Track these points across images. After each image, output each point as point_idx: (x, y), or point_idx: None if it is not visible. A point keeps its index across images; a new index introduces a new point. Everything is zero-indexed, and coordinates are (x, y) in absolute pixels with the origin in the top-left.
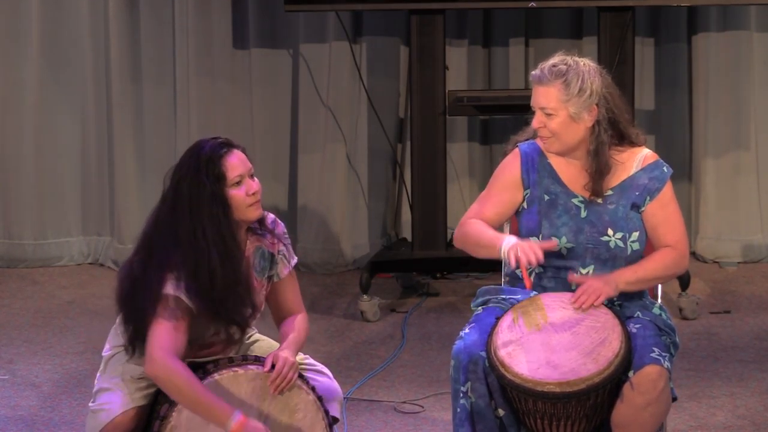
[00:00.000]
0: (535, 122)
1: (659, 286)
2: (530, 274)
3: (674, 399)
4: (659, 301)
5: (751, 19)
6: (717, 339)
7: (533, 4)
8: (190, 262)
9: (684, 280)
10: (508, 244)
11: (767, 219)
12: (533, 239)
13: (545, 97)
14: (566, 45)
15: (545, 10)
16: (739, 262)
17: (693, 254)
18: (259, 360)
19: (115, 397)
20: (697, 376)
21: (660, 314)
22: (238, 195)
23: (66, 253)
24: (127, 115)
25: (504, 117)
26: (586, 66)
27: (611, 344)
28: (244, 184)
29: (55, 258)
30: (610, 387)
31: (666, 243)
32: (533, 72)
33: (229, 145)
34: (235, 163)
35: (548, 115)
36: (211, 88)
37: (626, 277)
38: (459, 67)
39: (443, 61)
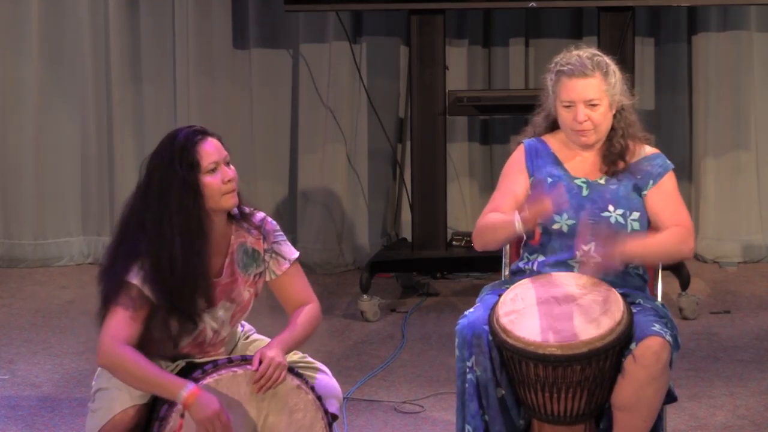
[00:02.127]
0: (581, 116)
1: (659, 285)
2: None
3: (674, 399)
4: (659, 299)
5: (751, 19)
6: (717, 339)
7: (533, 4)
8: (154, 250)
9: (684, 280)
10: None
11: (767, 219)
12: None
13: (591, 88)
14: (566, 45)
15: (545, 10)
16: (739, 262)
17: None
18: None
19: (113, 396)
20: (697, 376)
21: (663, 307)
22: (213, 182)
23: (66, 253)
24: (127, 115)
25: (504, 117)
26: (604, 55)
27: (613, 314)
28: (220, 172)
29: (55, 258)
30: (612, 357)
31: (672, 224)
32: (566, 67)
33: (203, 133)
34: (210, 150)
35: (593, 105)
36: (211, 88)
37: (634, 246)
38: (459, 67)
39: (443, 61)
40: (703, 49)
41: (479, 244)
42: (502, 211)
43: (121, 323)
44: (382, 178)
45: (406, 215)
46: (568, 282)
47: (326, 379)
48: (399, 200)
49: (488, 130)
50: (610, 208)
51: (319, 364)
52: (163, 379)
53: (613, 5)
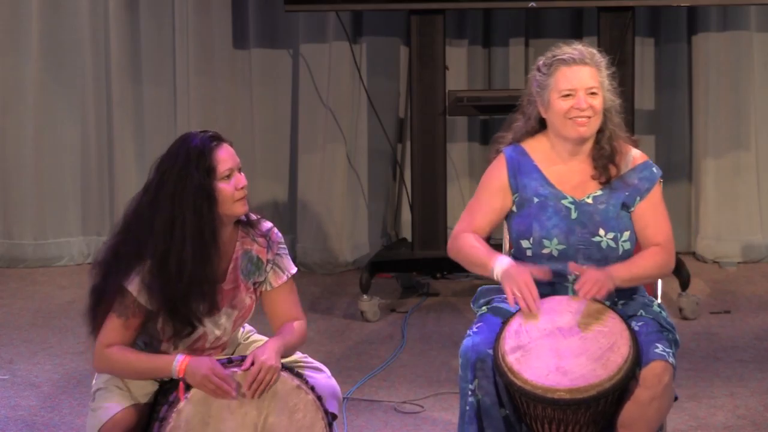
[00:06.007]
0: (583, 102)
1: (659, 286)
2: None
3: (674, 399)
4: (659, 299)
5: (751, 19)
6: (717, 339)
7: (533, 4)
8: (161, 251)
9: (684, 280)
10: (500, 268)
11: (767, 219)
12: (524, 242)
13: (591, 76)
14: None
15: (545, 10)
16: (739, 262)
17: (693, 254)
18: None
19: (114, 395)
20: (697, 376)
21: (660, 312)
22: (226, 189)
23: (66, 253)
24: (127, 115)
25: (504, 117)
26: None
27: (620, 349)
28: (233, 178)
29: (55, 258)
30: (619, 390)
31: (655, 243)
32: (565, 56)
33: (218, 139)
34: (225, 156)
35: (592, 94)
36: (211, 87)
37: (621, 274)
38: (459, 67)
39: (443, 61)
40: (703, 49)
41: (452, 257)
42: (481, 227)
43: (114, 331)
44: (382, 178)
45: (406, 215)
46: (571, 309)
47: (325, 379)
48: (399, 200)
49: (488, 130)
50: (601, 232)
51: (317, 364)
52: (155, 361)
53: (613, 5)
